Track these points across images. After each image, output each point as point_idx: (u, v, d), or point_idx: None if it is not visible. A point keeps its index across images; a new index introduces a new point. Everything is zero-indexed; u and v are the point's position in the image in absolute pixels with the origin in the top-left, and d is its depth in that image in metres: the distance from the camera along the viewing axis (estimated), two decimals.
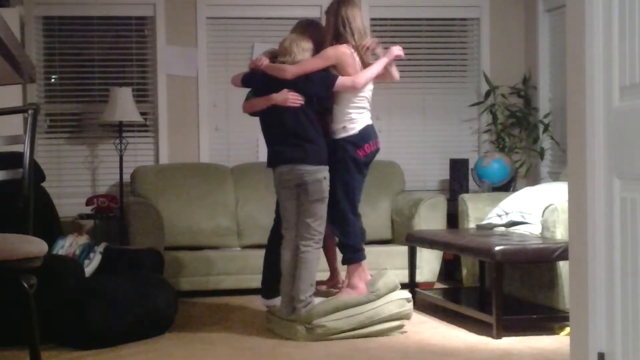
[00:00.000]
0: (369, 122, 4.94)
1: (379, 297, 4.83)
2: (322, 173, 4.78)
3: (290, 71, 4.81)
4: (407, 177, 7.09)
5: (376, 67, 4.94)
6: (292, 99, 4.80)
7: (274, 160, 4.90)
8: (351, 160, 4.84)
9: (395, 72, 5.14)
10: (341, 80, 4.82)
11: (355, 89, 4.85)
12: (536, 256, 4.91)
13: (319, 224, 4.80)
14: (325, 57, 4.85)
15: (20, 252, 2.86)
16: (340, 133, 4.88)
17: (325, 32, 4.98)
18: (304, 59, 4.87)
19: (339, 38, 4.91)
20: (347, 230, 4.89)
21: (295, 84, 4.81)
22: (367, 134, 4.89)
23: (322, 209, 4.80)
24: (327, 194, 4.80)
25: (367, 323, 4.78)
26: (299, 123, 4.80)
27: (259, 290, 5.29)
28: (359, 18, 4.96)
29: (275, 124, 4.88)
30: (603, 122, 2.69)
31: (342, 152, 4.85)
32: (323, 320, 4.70)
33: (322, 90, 4.84)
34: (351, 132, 4.86)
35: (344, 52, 4.86)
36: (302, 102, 4.80)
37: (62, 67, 7.01)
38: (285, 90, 4.81)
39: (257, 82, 4.98)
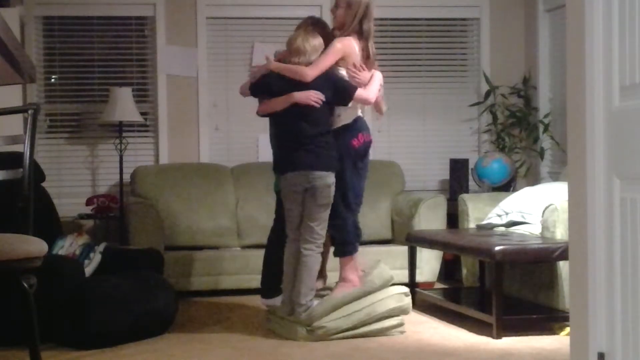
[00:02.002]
0: (360, 114, 4.95)
1: (373, 287, 4.82)
2: (331, 178, 4.77)
3: (311, 74, 4.75)
4: (407, 177, 7.09)
5: (377, 83, 4.92)
6: (314, 97, 4.74)
7: (284, 167, 4.83)
8: (345, 150, 4.83)
9: (383, 105, 5.11)
10: (358, 94, 4.80)
11: (365, 104, 4.90)
12: (536, 256, 4.91)
13: (321, 228, 4.79)
14: (335, 52, 4.81)
15: (20, 252, 2.86)
16: (336, 122, 4.87)
17: (343, 22, 4.91)
18: (317, 57, 4.81)
19: (355, 32, 4.87)
20: (339, 223, 4.88)
21: (321, 89, 4.76)
22: (360, 124, 4.90)
23: (326, 214, 4.80)
24: (332, 199, 4.79)
25: (367, 320, 4.78)
26: (316, 128, 4.75)
27: (259, 290, 5.29)
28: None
29: (291, 126, 4.79)
30: (603, 122, 2.69)
31: (336, 142, 4.86)
32: (323, 322, 4.70)
33: (344, 101, 4.82)
34: (345, 122, 4.87)
35: (350, 45, 4.85)
36: (323, 100, 4.75)
37: (62, 67, 7.01)
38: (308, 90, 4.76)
39: (272, 84, 4.86)
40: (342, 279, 4.92)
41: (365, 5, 4.88)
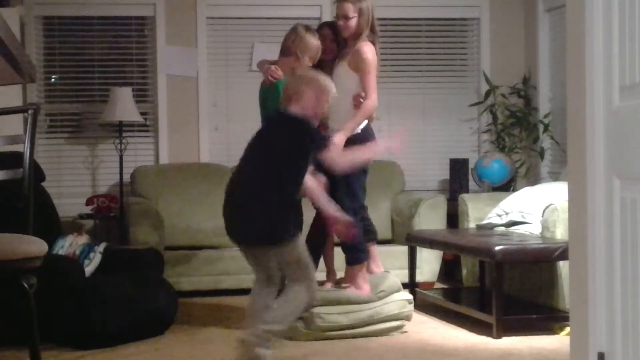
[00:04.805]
0: (366, 121, 4.92)
1: (381, 298, 4.83)
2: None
3: (374, 101, 4.72)
4: (407, 177, 7.09)
5: (366, 154, 4.36)
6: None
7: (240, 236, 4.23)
8: None
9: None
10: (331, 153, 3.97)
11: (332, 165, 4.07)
12: (536, 256, 4.91)
13: (303, 268, 3.94)
14: (373, 66, 4.74)
15: (20, 252, 2.86)
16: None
17: (359, 31, 4.81)
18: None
19: (368, 37, 4.82)
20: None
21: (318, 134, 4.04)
22: (368, 133, 4.85)
23: (303, 261, 3.93)
24: (301, 251, 3.95)
25: (368, 321, 4.77)
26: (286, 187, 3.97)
27: None
28: None
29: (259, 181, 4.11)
30: (603, 122, 2.69)
31: None
32: (321, 311, 4.67)
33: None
34: (354, 132, 4.83)
35: (374, 51, 4.79)
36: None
37: (62, 67, 7.01)
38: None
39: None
40: (355, 284, 4.87)
41: (371, 7, 4.85)
